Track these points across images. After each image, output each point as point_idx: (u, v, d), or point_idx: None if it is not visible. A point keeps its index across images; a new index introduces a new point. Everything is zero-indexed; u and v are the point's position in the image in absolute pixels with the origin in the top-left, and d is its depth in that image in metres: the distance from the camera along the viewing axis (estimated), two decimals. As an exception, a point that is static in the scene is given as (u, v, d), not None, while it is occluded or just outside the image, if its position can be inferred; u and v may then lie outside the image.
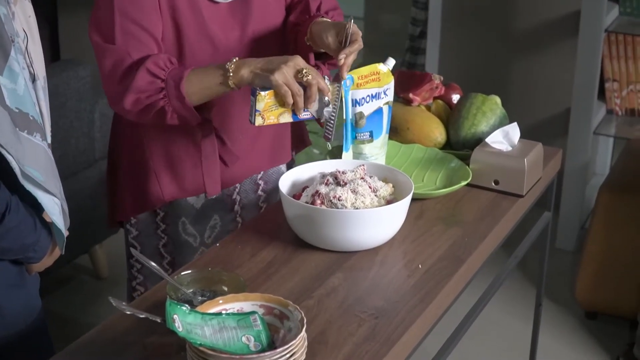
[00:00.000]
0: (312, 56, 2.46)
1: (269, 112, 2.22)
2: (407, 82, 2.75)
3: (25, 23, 2.01)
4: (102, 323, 1.91)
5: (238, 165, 2.52)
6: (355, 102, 2.42)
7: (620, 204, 3.83)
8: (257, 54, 2.39)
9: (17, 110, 1.87)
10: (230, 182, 2.55)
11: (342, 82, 2.31)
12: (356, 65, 2.42)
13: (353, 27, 2.29)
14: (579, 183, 4.49)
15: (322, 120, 2.29)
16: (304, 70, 2.17)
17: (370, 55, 2.63)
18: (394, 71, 2.49)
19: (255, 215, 2.53)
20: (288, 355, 1.64)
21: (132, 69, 2.23)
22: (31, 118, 1.91)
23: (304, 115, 2.25)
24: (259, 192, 2.64)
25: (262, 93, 2.19)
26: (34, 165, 1.89)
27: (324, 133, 2.33)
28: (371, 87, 2.43)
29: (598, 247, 3.88)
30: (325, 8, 2.50)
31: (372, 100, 2.45)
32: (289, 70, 2.16)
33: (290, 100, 2.19)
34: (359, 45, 2.30)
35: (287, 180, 2.28)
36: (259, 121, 2.22)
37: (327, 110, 2.27)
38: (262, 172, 2.64)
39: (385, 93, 2.47)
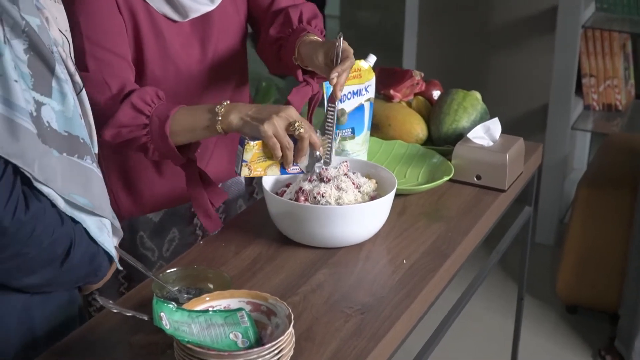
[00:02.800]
0: (299, 72, 2.37)
1: (256, 163, 2.10)
2: (388, 78, 2.76)
3: (62, 24, 1.88)
4: (89, 322, 1.91)
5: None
6: (337, 99, 2.42)
7: (598, 198, 3.85)
8: (218, 72, 2.38)
9: (65, 134, 1.74)
10: (181, 199, 2.47)
11: (336, 106, 2.22)
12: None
13: (343, 44, 2.20)
14: (558, 178, 4.52)
15: (305, 174, 2.18)
16: (297, 123, 2.04)
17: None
18: (375, 68, 2.50)
19: (239, 213, 2.53)
20: (276, 351, 1.65)
21: (114, 102, 2.14)
22: (81, 141, 1.78)
23: (292, 169, 2.13)
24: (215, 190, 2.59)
25: (251, 143, 2.07)
26: (81, 192, 1.77)
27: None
28: (353, 84, 2.43)
29: (577, 241, 3.89)
30: (307, 17, 2.41)
31: (353, 97, 2.45)
32: (280, 121, 2.04)
33: (279, 154, 2.06)
34: (350, 62, 2.19)
35: (270, 177, 2.28)
36: (245, 172, 2.10)
37: (317, 165, 2.17)
38: (220, 184, 2.58)
39: (366, 90, 2.48)
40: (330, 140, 2.18)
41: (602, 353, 3.71)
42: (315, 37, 2.32)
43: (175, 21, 2.31)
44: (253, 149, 2.07)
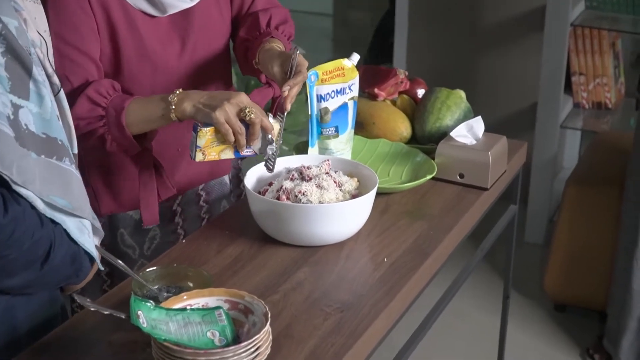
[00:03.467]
0: (263, 75, 2.42)
1: (210, 148, 2.16)
2: (372, 77, 2.76)
3: (41, 25, 1.90)
4: (68, 320, 1.92)
5: (177, 177, 2.48)
6: (320, 98, 2.42)
7: (587, 196, 3.86)
8: (197, 69, 2.39)
9: (44, 136, 1.74)
10: (167, 195, 2.47)
11: (284, 117, 2.25)
12: (325, 61, 2.43)
13: (298, 58, 2.23)
14: (547, 176, 4.52)
15: (264, 158, 2.22)
16: (247, 109, 2.10)
17: (340, 51, 2.64)
18: (358, 66, 2.51)
19: (221, 212, 2.53)
20: (252, 349, 1.65)
21: (73, 95, 2.16)
22: (59, 143, 1.78)
23: (246, 152, 2.19)
24: (201, 202, 2.61)
25: (204, 129, 2.13)
26: (60, 194, 1.77)
27: (265, 164, 2.27)
28: (336, 83, 2.43)
29: (566, 239, 3.90)
30: (276, 22, 2.44)
31: (337, 96, 2.45)
32: (231, 108, 2.10)
33: (232, 139, 2.12)
34: (303, 77, 2.23)
35: (252, 176, 2.28)
36: (199, 157, 2.16)
37: (270, 148, 2.20)
38: (203, 184, 2.60)
39: (350, 88, 2.48)
40: (274, 149, 2.23)
41: (590, 352, 3.72)
42: (277, 44, 2.36)
43: (152, 16, 2.32)
44: (206, 135, 2.14)
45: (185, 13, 2.36)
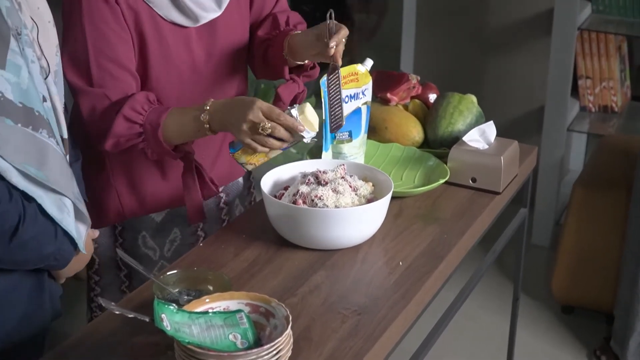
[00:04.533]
0: (286, 69, 2.45)
1: (253, 157, 2.22)
2: (384, 82, 2.78)
3: (35, 13, 1.94)
4: (89, 324, 1.94)
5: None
6: (335, 103, 2.45)
7: (594, 199, 3.88)
8: (221, 76, 2.44)
9: (20, 105, 1.79)
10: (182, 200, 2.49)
11: (339, 73, 2.30)
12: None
13: (334, 22, 2.26)
14: (554, 179, 4.54)
15: (307, 142, 2.21)
16: (261, 126, 2.09)
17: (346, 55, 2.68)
18: (371, 71, 2.53)
19: (238, 216, 2.56)
20: (274, 352, 1.67)
21: (111, 112, 2.21)
22: (36, 113, 1.83)
23: (286, 147, 2.20)
24: (221, 204, 2.65)
25: (236, 153, 2.21)
26: (34, 164, 1.81)
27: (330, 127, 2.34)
28: (350, 88, 2.46)
29: (573, 242, 3.92)
30: (293, 22, 2.50)
31: (350, 101, 2.48)
32: (248, 129, 2.11)
33: (265, 150, 2.16)
34: (344, 31, 2.26)
35: (268, 180, 2.31)
36: (250, 168, 2.25)
37: (306, 132, 2.17)
38: (223, 186, 2.63)
39: (363, 93, 2.51)
40: (339, 108, 2.31)
41: (597, 353, 3.74)
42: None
43: (181, 27, 2.35)
44: (241, 155, 2.22)
45: (211, 23, 2.39)
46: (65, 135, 1.98)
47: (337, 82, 2.31)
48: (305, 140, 2.18)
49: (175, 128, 2.21)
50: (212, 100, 2.20)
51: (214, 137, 2.31)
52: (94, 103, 2.22)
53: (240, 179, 2.71)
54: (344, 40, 2.27)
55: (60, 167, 1.89)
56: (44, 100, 1.89)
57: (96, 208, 2.44)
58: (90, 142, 2.31)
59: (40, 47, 1.93)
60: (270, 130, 2.10)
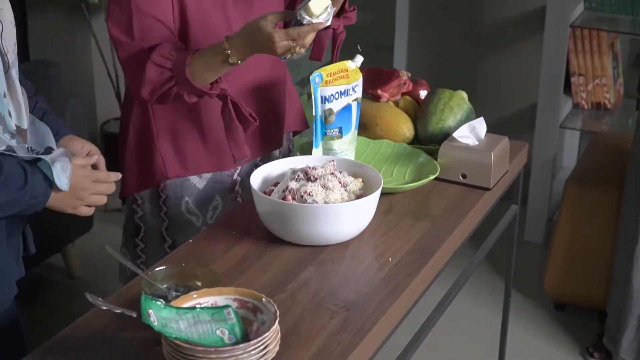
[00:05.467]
0: None
1: None
2: (375, 78, 2.78)
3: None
4: (77, 320, 1.93)
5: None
6: (325, 99, 2.45)
7: (587, 196, 3.89)
8: None
9: None
10: (226, 164, 2.63)
11: None
12: (326, 63, 2.47)
13: None
14: (546, 176, 4.55)
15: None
16: (293, 51, 2.24)
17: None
18: (362, 68, 2.53)
19: (227, 212, 2.56)
20: (261, 347, 1.68)
21: (143, 61, 2.32)
22: None
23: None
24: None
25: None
26: None
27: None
28: (340, 84, 2.46)
29: (566, 239, 3.93)
30: None
31: (341, 97, 2.48)
32: (282, 54, 2.25)
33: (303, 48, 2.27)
34: None
35: (258, 177, 2.31)
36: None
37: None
38: (260, 156, 2.72)
39: (354, 90, 2.51)
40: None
41: (590, 350, 3.74)
42: None
43: None
44: None
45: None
46: (24, 126, 2.07)
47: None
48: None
49: (202, 67, 2.30)
50: (226, 37, 2.29)
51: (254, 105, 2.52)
52: (132, 55, 2.35)
53: (277, 153, 2.80)
54: None
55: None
56: (4, 96, 1.97)
57: (141, 170, 2.61)
58: (133, 102, 2.55)
59: (3, 44, 2.02)
60: (302, 50, 2.25)
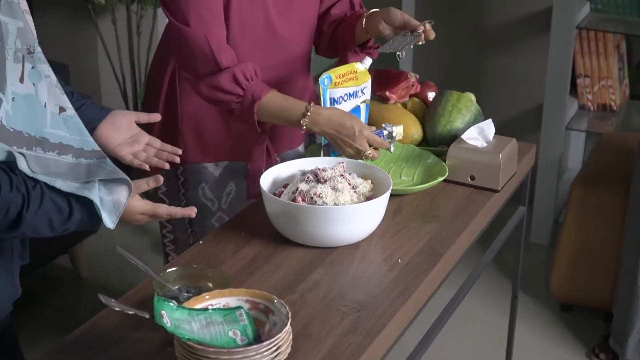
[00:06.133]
0: (352, 45, 2.67)
1: None
2: (383, 80, 2.79)
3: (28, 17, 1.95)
4: (90, 320, 1.94)
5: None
6: (333, 101, 2.46)
7: (592, 197, 3.89)
8: (292, 41, 2.63)
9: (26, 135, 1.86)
10: (241, 156, 2.73)
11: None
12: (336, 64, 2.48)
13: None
14: (552, 178, 4.55)
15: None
16: (365, 154, 2.38)
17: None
18: (370, 70, 2.54)
19: (237, 213, 2.57)
20: (274, 349, 1.68)
21: (214, 61, 2.41)
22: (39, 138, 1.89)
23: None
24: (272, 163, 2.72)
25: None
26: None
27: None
28: (349, 86, 2.47)
29: (572, 240, 3.93)
30: (358, 3, 2.78)
31: (349, 99, 2.49)
32: (354, 152, 2.38)
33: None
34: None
35: (267, 178, 2.32)
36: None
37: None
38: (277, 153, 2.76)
39: (362, 91, 2.52)
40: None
41: (596, 351, 3.74)
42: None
43: None
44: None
45: None
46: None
47: (408, 40, 2.54)
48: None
49: (273, 110, 2.42)
50: (313, 105, 2.38)
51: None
52: (195, 42, 2.42)
53: (301, 148, 2.87)
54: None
55: (72, 169, 1.92)
56: (62, 110, 1.93)
57: None
58: (163, 86, 2.67)
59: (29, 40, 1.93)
60: (371, 155, 2.39)
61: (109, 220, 1.90)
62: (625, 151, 4.01)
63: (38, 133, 1.88)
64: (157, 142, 2.27)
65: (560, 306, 4.06)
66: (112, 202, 1.90)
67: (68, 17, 5.08)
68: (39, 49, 1.88)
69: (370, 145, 2.39)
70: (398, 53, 2.49)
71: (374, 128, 2.41)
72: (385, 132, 2.45)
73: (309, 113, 2.37)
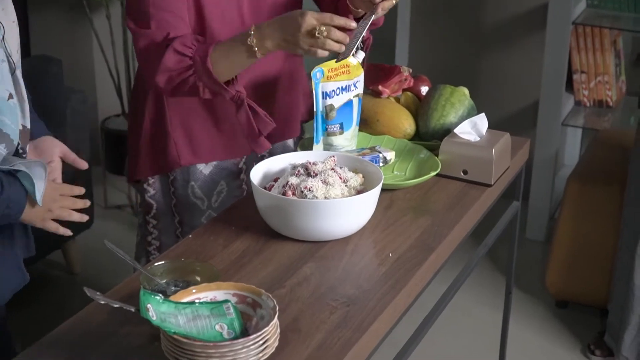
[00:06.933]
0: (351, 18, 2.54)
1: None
2: (376, 74, 2.78)
3: (1, 15, 2.04)
4: (76, 315, 1.93)
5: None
6: (326, 95, 2.45)
7: (588, 194, 3.88)
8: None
9: None
10: (234, 153, 2.70)
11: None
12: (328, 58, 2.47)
13: None
14: (548, 174, 4.54)
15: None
16: (317, 30, 2.25)
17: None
18: (363, 64, 2.52)
19: (227, 207, 2.56)
20: (261, 342, 1.67)
21: (161, 48, 2.37)
22: None
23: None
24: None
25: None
26: None
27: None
28: (341, 80, 2.46)
29: (567, 236, 3.92)
30: None
31: (342, 93, 2.48)
32: (306, 39, 2.26)
33: (325, 54, 2.30)
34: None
35: (258, 172, 2.30)
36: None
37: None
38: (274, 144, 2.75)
39: (355, 85, 2.50)
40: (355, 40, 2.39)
41: (591, 347, 3.74)
42: None
43: None
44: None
45: None
46: (28, 125, 2.09)
47: (366, 22, 2.41)
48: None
49: (224, 58, 2.35)
50: (254, 24, 2.33)
51: (270, 92, 2.61)
52: (149, 42, 2.40)
53: (291, 142, 2.84)
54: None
55: None
56: (10, 97, 1.98)
57: (155, 157, 2.68)
58: (147, 93, 2.60)
59: (7, 46, 2.02)
60: (326, 32, 2.25)
61: (39, 195, 2.02)
62: (621, 148, 4.01)
63: None
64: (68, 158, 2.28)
65: (556, 303, 4.05)
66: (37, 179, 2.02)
67: (63, 13, 5.07)
68: None
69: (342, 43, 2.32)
70: (352, 56, 2.43)
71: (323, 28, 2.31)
72: (380, 156, 2.46)
73: (252, 32, 2.31)
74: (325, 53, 2.29)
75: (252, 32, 2.31)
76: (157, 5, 2.40)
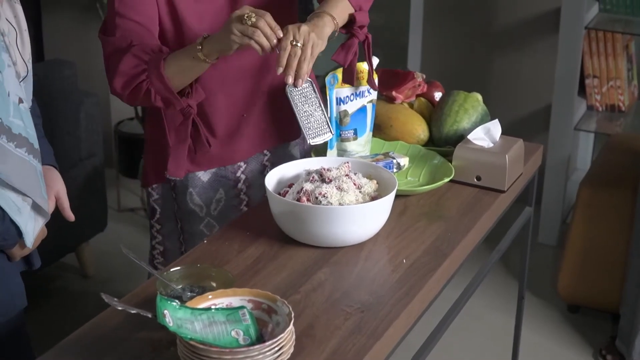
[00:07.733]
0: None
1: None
2: (390, 80, 2.79)
3: (13, 19, 2.05)
4: (92, 320, 1.94)
5: (238, 143, 2.64)
6: (340, 101, 2.46)
7: (601, 198, 3.88)
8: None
9: None
10: (228, 159, 2.67)
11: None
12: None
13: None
14: (560, 178, 4.54)
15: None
16: (245, 16, 2.20)
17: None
18: (377, 70, 2.53)
19: (242, 213, 2.57)
20: (276, 349, 1.68)
21: (123, 54, 2.34)
22: None
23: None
24: (266, 172, 2.67)
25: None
26: None
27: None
28: (355, 86, 2.47)
29: (579, 241, 3.92)
30: None
31: (356, 99, 2.49)
32: (236, 25, 2.20)
33: (259, 47, 2.22)
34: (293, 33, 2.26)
35: (272, 178, 2.31)
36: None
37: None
38: (269, 154, 2.73)
39: (368, 91, 2.51)
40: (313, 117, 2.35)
41: (603, 352, 3.74)
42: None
43: None
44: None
45: None
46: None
47: (303, 92, 2.34)
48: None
49: (175, 61, 2.32)
50: (206, 34, 2.31)
51: (247, 98, 2.57)
52: (113, 49, 2.37)
53: (294, 151, 2.81)
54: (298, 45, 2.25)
55: (23, 166, 1.98)
56: (20, 101, 1.98)
57: (157, 166, 2.67)
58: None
59: (19, 51, 2.03)
60: (255, 19, 2.19)
61: (29, 242, 2.08)
62: (634, 152, 4.01)
63: (5, 120, 1.93)
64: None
65: (568, 307, 4.05)
66: (33, 230, 2.08)
67: (76, 16, 5.09)
68: (1, 37, 1.95)
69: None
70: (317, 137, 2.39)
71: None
72: (394, 162, 2.46)
73: (203, 36, 2.29)
74: (257, 47, 2.21)
75: (203, 37, 2.29)
76: (123, 15, 2.39)
